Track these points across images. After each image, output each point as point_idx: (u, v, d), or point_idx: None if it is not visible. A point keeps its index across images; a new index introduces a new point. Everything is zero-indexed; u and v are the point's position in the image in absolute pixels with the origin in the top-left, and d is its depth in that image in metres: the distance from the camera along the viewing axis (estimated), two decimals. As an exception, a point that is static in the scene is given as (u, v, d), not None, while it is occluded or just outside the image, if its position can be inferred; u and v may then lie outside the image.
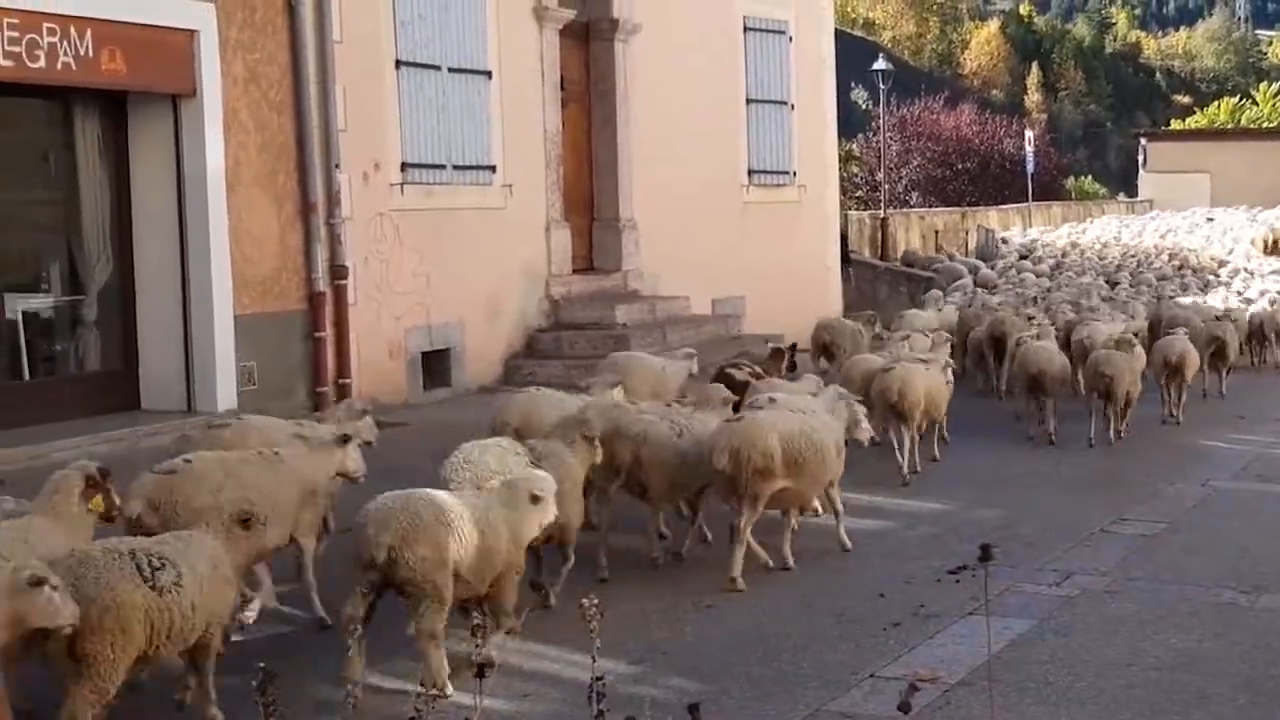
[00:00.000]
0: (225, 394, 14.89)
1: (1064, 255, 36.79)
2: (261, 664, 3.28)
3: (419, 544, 7.79)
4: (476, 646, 6.46)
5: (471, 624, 7.53)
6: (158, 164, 15.08)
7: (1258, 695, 8.28)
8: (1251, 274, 32.45)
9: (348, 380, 16.02)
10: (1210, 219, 47.28)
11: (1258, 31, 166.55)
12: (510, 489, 8.61)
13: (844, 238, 29.41)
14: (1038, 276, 30.21)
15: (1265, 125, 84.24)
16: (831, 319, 19.96)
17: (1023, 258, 36.10)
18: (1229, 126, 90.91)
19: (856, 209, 45.23)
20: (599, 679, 3.37)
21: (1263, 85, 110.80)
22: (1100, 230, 46.84)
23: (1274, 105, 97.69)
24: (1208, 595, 10.01)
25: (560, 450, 9.81)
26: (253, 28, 15.50)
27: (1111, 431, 16.07)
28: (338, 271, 16.16)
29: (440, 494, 8.25)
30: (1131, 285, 28.83)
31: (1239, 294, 28.31)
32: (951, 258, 34.02)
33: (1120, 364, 15.86)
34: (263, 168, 15.57)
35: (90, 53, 13.98)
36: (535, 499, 8.56)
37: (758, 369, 13.96)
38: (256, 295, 15.42)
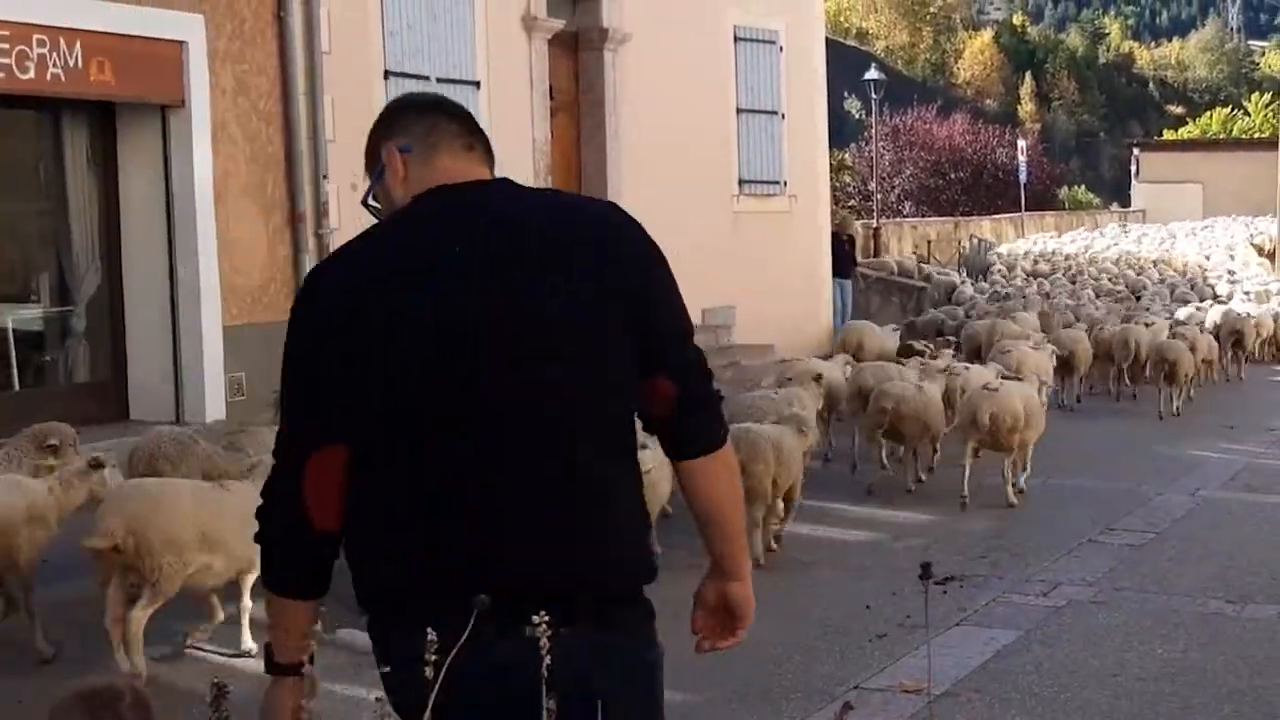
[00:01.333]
0: (214, 404, 14.86)
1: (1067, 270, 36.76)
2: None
3: None
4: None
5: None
6: (146, 175, 15.06)
7: (1243, 706, 8.30)
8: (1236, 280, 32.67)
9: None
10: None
11: (1250, 42, 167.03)
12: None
13: (852, 243, 29.43)
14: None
15: (1257, 136, 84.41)
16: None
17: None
18: (1221, 137, 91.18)
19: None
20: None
21: (1255, 96, 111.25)
22: (1104, 240, 47.31)
23: (1266, 116, 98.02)
24: (1194, 605, 10.03)
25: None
26: (241, 39, 15.48)
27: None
28: (326, 282, 16.10)
29: None
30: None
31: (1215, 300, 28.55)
32: (928, 275, 33.90)
33: None
34: (251, 178, 15.55)
35: (79, 64, 13.97)
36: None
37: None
38: (245, 306, 15.40)
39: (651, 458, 10.31)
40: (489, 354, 3.49)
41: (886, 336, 19.94)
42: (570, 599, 3.43)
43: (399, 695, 3.37)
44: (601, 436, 3.62)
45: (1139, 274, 35.92)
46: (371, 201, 3.88)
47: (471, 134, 3.91)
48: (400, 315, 3.49)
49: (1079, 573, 11.47)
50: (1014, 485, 13.99)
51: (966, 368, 16.10)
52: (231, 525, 8.47)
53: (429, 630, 3.08)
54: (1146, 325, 20.98)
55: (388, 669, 3.50)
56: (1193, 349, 19.70)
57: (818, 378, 15.16)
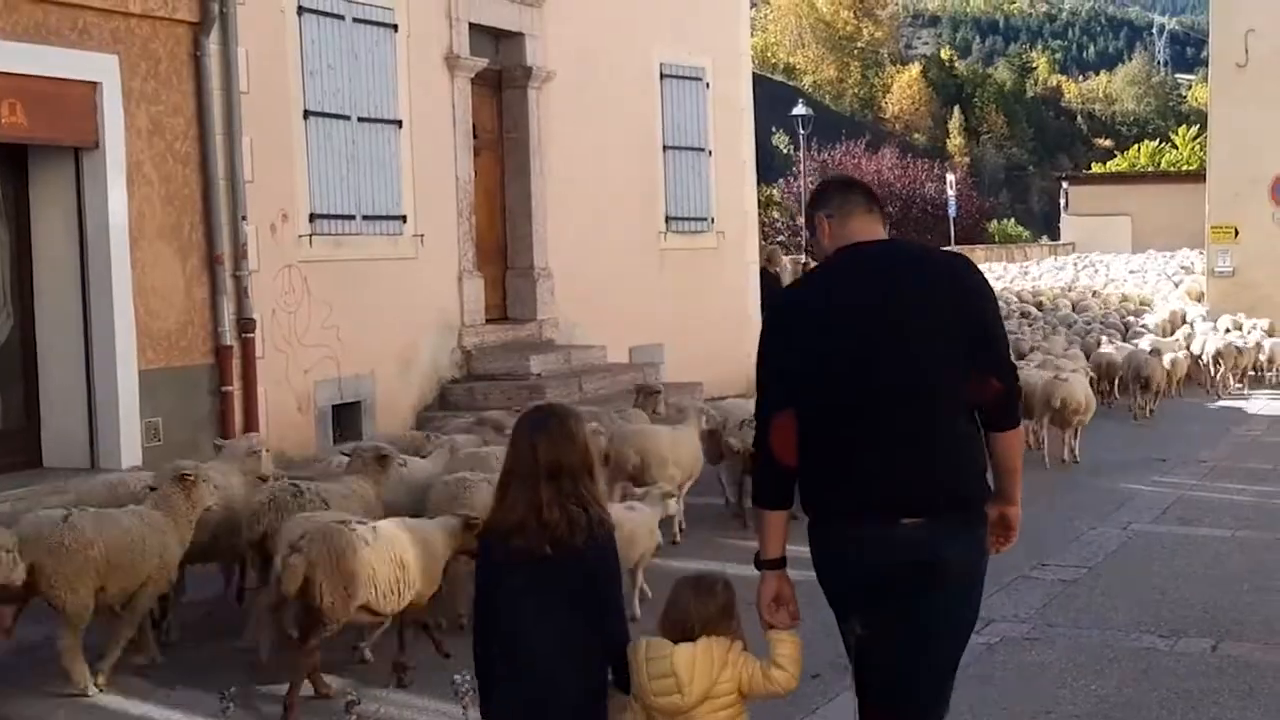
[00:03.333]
0: (130, 451, 14.57)
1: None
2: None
3: None
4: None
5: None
6: (59, 217, 14.78)
7: (1176, 743, 8.22)
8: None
9: (255, 435, 15.75)
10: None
11: (1177, 75, 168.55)
12: None
13: (777, 280, 29.27)
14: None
15: (1185, 168, 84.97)
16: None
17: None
18: (1149, 170, 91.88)
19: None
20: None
21: (1182, 129, 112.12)
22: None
23: (1193, 149, 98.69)
24: (1128, 641, 9.95)
25: None
26: (156, 79, 15.25)
27: None
28: (245, 325, 15.88)
29: None
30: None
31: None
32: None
33: None
34: (167, 220, 15.30)
35: (-10, 106, 13.76)
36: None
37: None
38: (162, 350, 15.13)
39: (629, 519, 10.70)
40: (884, 362, 5.60)
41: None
42: (931, 505, 5.60)
43: (827, 568, 5.80)
44: (949, 414, 5.70)
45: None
46: (812, 250, 6.21)
47: (870, 202, 6.00)
48: (827, 332, 5.67)
49: (1012, 609, 11.39)
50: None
51: None
52: None
53: (850, 527, 5.63)
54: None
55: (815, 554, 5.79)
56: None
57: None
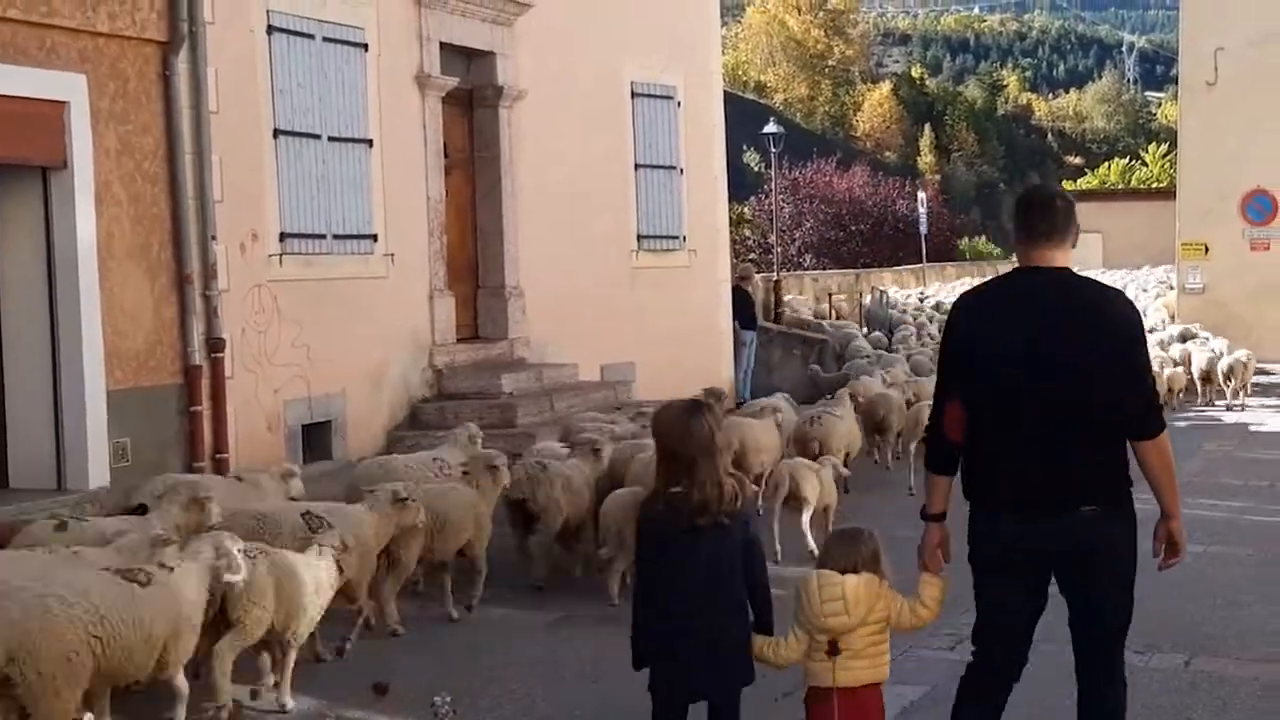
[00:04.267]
0: (97, 471, 14.45)
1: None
2: None
3: None
4: None
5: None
6: (27, 237, 14.65)
7: (1150, 758, 8.21)
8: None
9: (225, 455, 15.62)
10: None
11: (1147, 93, 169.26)
12: None
13: (749, 300, 29.31)
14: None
15: (1155, 185, 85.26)
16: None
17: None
18: (1120, 187, 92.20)
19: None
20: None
21: (1152, 146, 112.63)
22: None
23: (1163, 166, 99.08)
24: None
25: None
26: (125, 98, 15.17)
27: None
28: (214, 344, 15.79)
29: None
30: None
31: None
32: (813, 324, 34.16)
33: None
34: (136, 240, 15.21)
35: (-44, 125, 13.68)
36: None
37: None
38: (130, 370, 15.03)
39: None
40: (1026, 368, 6.73)
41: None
42: (1064, 502, 6.83)
43: (981, 548, 7.13)
44: (1089, 423, 6.78)
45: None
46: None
47: (1057, 232, 6.97)
48: (991, 339, 6.86)
49: (984, 627, 11.34)
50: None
51: None
52: None
53: (999, 517, 6.98)
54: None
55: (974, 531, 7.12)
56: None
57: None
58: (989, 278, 7.97)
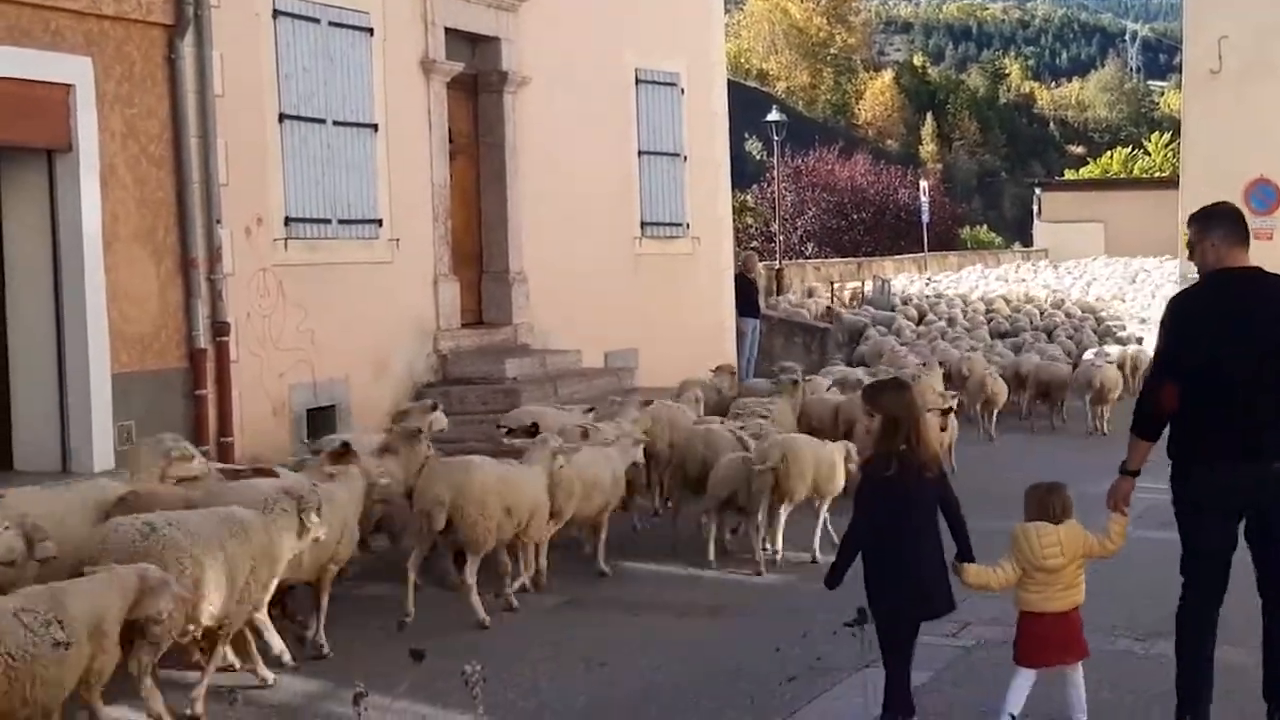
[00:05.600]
0: (102, 454, 14.49)
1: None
2: None
3: None
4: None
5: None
6: (32, 220, 14.68)
7: (1153, 743, 8.26)
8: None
9: (229, 439, 15.66)
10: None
11: (1149, 82, 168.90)
12: None
13: (752, 288, 29.34)
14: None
15: (1157, 175, 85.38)
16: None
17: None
18: (1122, 176, 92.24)
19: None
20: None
21: (1155, 135, 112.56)
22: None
23: (1166, 155, 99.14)
24: (1104, 644, 9.96)
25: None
26: (131, 81, 15.18)
27: None
28: (219, 328, 15.81)
29: None
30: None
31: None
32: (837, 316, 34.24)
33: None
34: (141, 223, 15.23)
35: (-38, 108, 13.68)
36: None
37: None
38: (135, 353, 15.05)
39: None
40: (1236, 347, 8.18)
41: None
42: (1260, 454, 8.24)
43: (1190, 495, 8.47)
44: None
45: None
46: (1195, 262, 8.64)
47: (1243, 235, 8.53)
48: (1204, 332, 8.29)
49: (989, 612, 11.41)
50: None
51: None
52: None
53: (1212, 468, 8.33)
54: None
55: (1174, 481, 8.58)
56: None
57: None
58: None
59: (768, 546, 13.79)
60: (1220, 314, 8.34)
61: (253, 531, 9.50)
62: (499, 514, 11.56)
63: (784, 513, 14.01)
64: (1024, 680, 8.73)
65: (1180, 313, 8.60)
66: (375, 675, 9.15)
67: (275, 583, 9.94)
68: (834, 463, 14.18)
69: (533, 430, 13.66)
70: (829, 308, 36.78)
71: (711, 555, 13.65)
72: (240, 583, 9.36)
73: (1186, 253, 8.97)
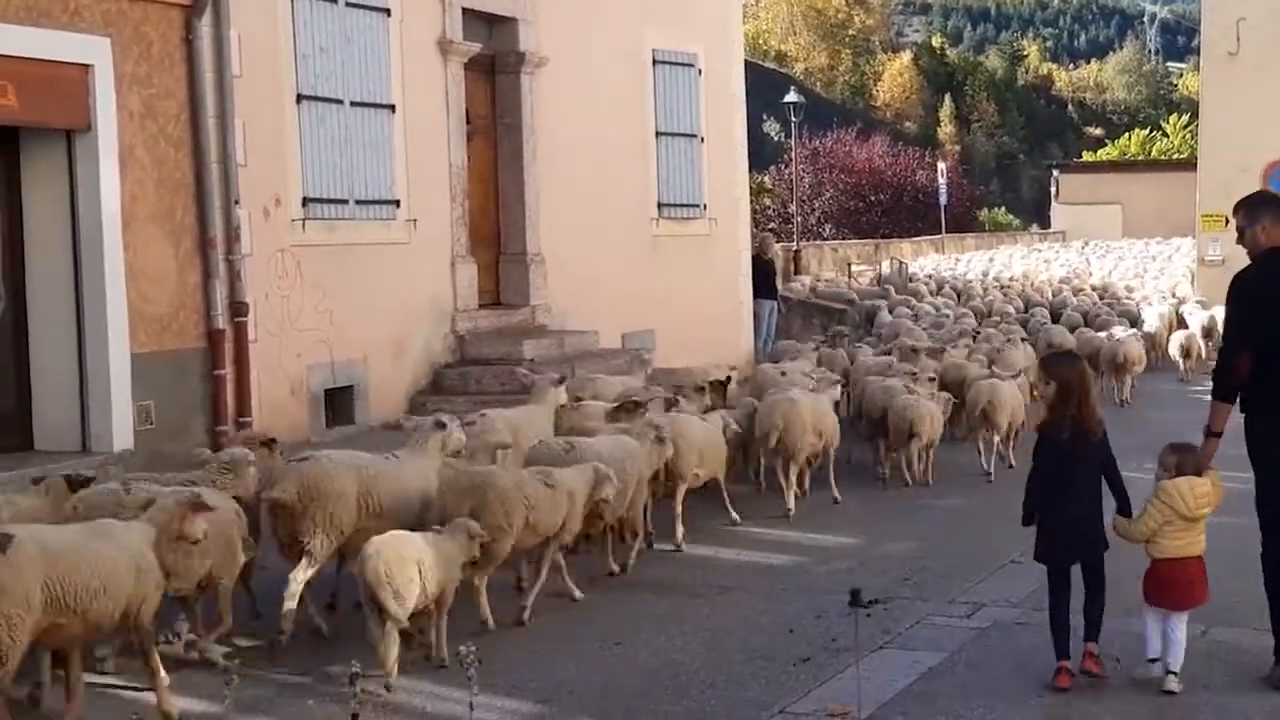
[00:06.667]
0: (121, 434, 14.54)
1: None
2: None
3: None
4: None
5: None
6: (51, 200, 14.72)
7: (1167, 723, 8.28)
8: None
9: (248, 419, 15.67)
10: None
11: (1168, 64, 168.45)
12: None
13: (772, 266, 29.38)
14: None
15: (1176, 157, 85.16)
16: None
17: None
18: (1140, 158, 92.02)
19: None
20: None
21: (1173, 117, 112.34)
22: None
23: (1184, 137, 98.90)
24: (1117, 625, 9.94)
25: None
26: (149, 62, 15.21)
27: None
28: (237, 309, 15.84)
29: None
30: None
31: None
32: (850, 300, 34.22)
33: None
34: (160, 204, 15.26)
35: (-18, 88, 13.71)
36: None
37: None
38: (154, 333, 15.10)
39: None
40: None
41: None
42: None
43: (1253, 439, 9.66)
44: None
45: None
46: (1243, 244, 9.86)
47: None
48: (1264, 307, 9.43)
49: (1003, 594, 11.45)
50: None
51: None
52: None
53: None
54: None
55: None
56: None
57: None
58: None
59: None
60: (1272, 288, 9.46)
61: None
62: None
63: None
64: (1170, 625, 9.42)
65: (1244, 291, 9.60)
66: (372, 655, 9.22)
67: None
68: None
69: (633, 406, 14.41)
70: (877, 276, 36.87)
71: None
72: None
73: (1233, 236, 10.11)
